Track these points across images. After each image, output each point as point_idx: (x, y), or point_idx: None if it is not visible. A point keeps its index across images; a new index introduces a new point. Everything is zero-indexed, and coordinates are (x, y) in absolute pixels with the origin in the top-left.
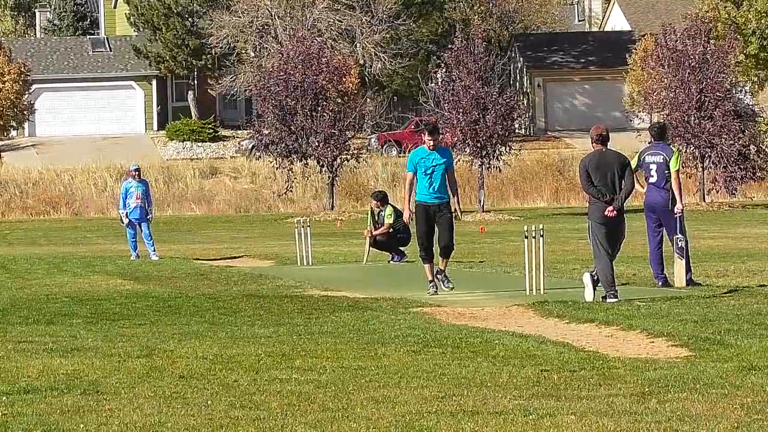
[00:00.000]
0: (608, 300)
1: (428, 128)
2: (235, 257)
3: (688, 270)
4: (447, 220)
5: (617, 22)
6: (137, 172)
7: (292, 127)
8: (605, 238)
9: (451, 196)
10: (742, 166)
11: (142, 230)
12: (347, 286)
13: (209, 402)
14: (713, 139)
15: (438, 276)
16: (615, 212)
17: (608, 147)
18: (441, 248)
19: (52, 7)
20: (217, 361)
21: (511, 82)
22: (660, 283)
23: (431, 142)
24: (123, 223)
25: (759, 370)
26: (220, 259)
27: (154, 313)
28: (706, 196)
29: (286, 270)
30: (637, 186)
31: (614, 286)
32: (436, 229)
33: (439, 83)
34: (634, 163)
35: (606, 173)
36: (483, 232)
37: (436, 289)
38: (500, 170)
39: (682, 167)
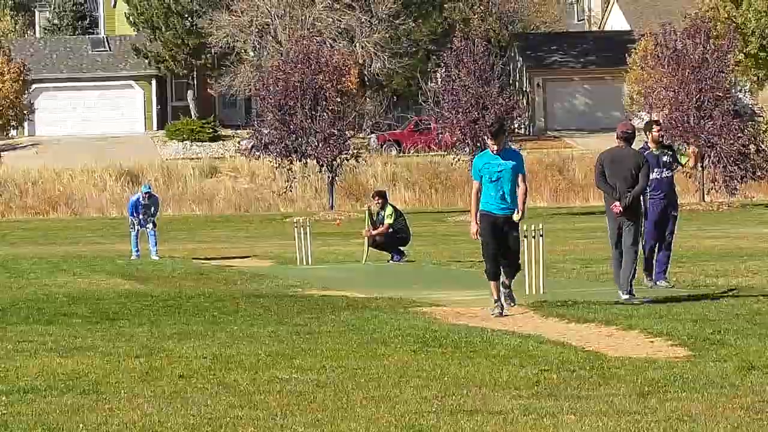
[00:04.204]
0: (623, 297)
1: (491, 130)
2: (239, 257)
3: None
4: (515, 240)
5: (617, 21)
6: (147, 195)
7: (291, 127)
8: (615, 235)
9: (519, 202)
10: (741, 166)
11: (147, 231)
12: (347, 286)
13: (209, 401)
14: (713, 139)
15: (503, 291)
16: (621, 210)
17: (630, 146)
18: (504, 267)
19: (52, 6)
20: (216, 360)
21: (511, 81)
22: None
23: (494, 147)
24: (133, 229)
25: (758, 369)
26: (221, 258)
27: (153, 313)
28: (705, 196)
29: (286, 269)
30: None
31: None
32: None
33: (439, 83)
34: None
35: (619, 170)
36: None
37: (502, 309)
38: None
39: (681, 166)
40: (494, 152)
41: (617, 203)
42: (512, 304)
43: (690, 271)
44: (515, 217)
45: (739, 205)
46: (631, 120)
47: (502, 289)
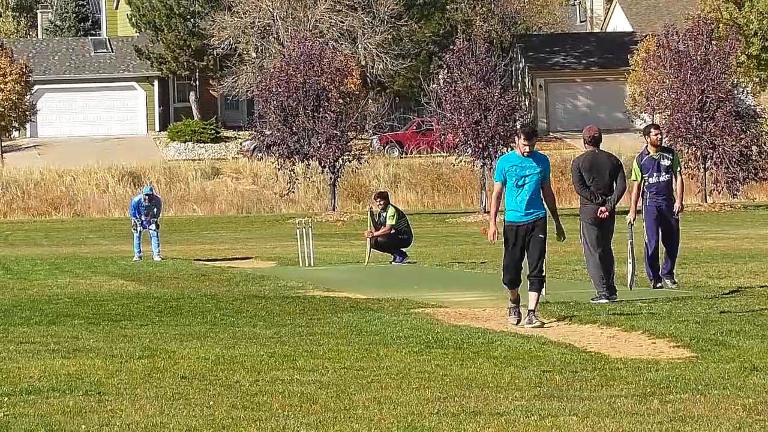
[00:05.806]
0: (599, 301)
1: (525, 131)
2: (241, 258)
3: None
4: (539, 243)
5: (619, 22)
6: (148, 197)
7: (293, 128)
8: (596, 240)
9: (551, 215)
10: (743, 167)
11: (150, 232)
12: (349, 287)
13: (211, 403)
14: (715, 140)
15: (529, 314)
16: (607, 214)
17: (600, 148)
18: (529, 277)
19: (54, 8)
20: (218, 361)
21: (513, 82)
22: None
23: (527, 148)
24: (135, 230)
25: (761, 371)
26: (223, 259)
27: (155, 314)
28: (707, 197)
29: (288, 271)
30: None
31: (605, 287)
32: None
33: (441, 84)
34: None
35: (599, 175)
36: (484, 233)
37: (520, 317)
38: None
39: (684, 168)
40: (525, 154)
41: (602, 208)
42: (537, 323)
43: (692, 273)
44: (559, 239)
45: (741, 206)
46: (633, 121)
47: (529, 313)
